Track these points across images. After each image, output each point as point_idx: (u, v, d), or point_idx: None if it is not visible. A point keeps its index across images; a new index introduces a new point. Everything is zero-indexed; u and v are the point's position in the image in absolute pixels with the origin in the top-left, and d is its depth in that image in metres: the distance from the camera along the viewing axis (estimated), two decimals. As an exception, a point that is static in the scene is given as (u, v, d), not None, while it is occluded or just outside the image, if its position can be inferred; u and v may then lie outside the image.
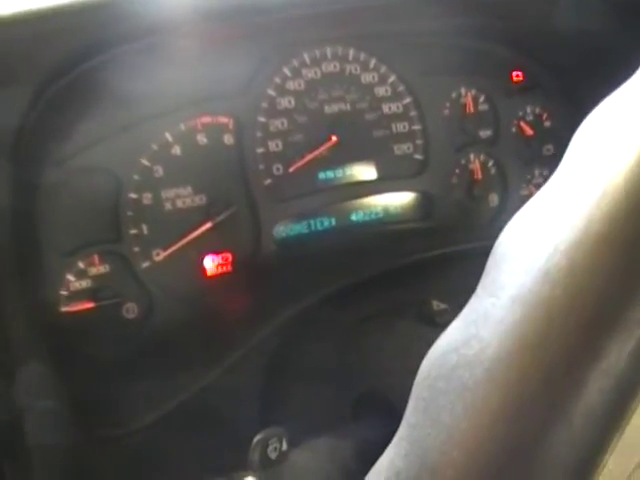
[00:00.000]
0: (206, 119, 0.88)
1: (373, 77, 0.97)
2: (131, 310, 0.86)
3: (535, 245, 0.27)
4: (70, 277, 0.83)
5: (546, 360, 0.25)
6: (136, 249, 0.85)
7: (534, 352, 0.25)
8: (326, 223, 0.96)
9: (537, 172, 1.08)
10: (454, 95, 1.02)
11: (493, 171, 1.05)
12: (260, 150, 0.91)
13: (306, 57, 0.93)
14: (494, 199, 1.06)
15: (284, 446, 0.56)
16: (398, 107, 0.99)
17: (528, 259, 0.27)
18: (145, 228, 0.86)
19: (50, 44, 0.72)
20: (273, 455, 0.56)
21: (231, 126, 0.89)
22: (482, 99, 1.04)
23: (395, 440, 0.31)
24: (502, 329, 0.26)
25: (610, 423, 0.26)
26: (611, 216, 0.25)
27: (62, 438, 0.75)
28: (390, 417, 0.67)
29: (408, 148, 0.99)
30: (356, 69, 0.96)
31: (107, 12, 0.71)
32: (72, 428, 0.76)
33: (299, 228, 0.95)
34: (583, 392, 0.25)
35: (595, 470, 0.26)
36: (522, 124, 1.06)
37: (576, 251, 0.25)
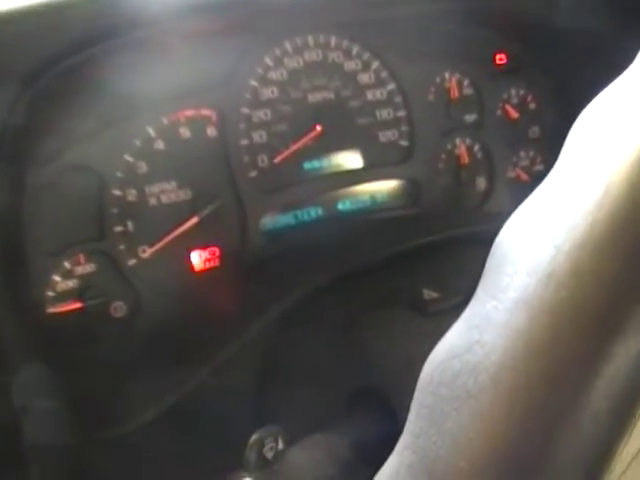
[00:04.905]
0: (189, 112, 0.87)
1: (356, 64, 0.96)
2: (119, 309, 0.85)
3: (537, 246, 0.26)
4: (56, 277, 0.81)
5: (552, 365, 0.25)
6: (122, 247, 0.84)
7: (540, 357, 0.25)
8: (313, 213, 0.96)
9: (523, 154, 1.08)
10: (438, 80, 1.01)
11: (479, 155, 1.05)
12: (244, 142, 0.90)
13: (288, 46, 0.92)
14: (481, 183, 1.05)
15: (280, 445, 0.56)
16: (382, 94, 0.98)
17: (530, 260, 0.26)
18: (130, 225, 0.85)
19: (32, 42, 0.70)
20: (269, 455, 0.55)
21: (214, 118, 0.88)
22: (466, 83, 1.03)
23: (398, 449, 0.30)
24: (506, 334, 0.26)
25: (618, 426, 0.25)
26: (614, 216, 0.24)
27: (58, 437, 0.74)
28: (385, 411, 0.67)
29: (393, 135, 0.99)
30: (339, 57, 0.95)
31: (88, 9, 0.70)
32: (67, 428, 0.76)
33: (286, 219, 0.94)
34: (591, 397, 0.24)
35: (604, 474, 0.26)
36: (507, 107, 1.06)
37: (580, 252, 0.25)
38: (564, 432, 0.25)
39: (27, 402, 0.72)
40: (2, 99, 0.72)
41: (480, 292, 0.28)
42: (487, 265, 0.29)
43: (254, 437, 0.56)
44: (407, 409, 0.31)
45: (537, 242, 0.26)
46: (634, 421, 0.25)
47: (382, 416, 0.66)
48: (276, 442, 0.56)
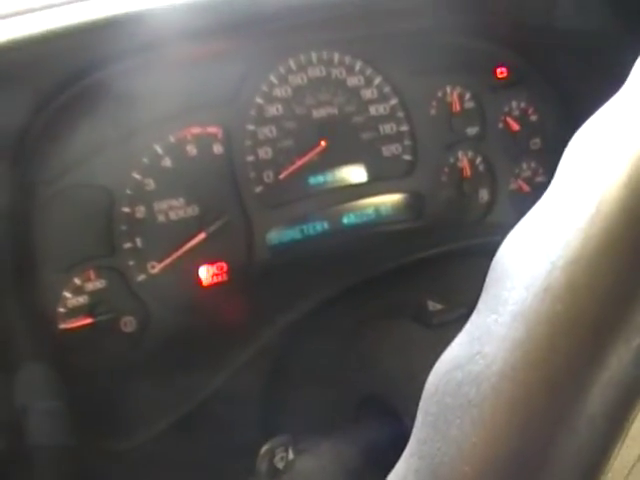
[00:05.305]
0: (195, 130, 0.88)
1: (359, 80, 0.98)
2: (129, 324, 0.86)
3: (534, 262, 0.28)
4: (67, 294, 0.83)
5: (550, 375, 0.26)
6: (131, 263, 0.86)
7: (538, 367, 0.26)
8: (318, 227, 0.97)
9: (525, 166, 1.09)
10: (440, 94, 1.03)
11: (482, 167, 1.06)
12: (250, 158, 0.91)
13: (292, 63, 0.93)
14: (484, 195, 1.07)
15: (290, 455, 0.57)
16: (385, 109, 0.99)
17: (527, 276, 0.27)
18: (139, 241, 0.86)
19: (48, 65, 0.73)
20: (280, 465, 0.56)
21: (220, 136, 0.90)
22: (468, 97, 1.04)
23: (405, 455, 0.31)
24: (506, 346, 0.27)
25: (613, 431, 0.27)
26: (606, 232, 0.26)
27: (59, 438, 0.75)
28: (392, 419, 0.68)
29: (396, 149, 1.00)
30: (342, 73, 0.96)
31: (99, 33, 0.72)
32: (77, 441, 0.77)
33: (292, 234, 0.95)
34: (587, 403, 0.26)
35: (601, 476, 0.27)
36: (508, 119, 1.07)
37: (574, 267, 0.26)
38: (562, 437, 0.26)
39: (28, 402, 0.73)
40: (27, 107, 0.74)
41: (481, 306, 0.30)
42: (487, 280, 0.30)
43: (265, 447, 0.57)
44: (413, 417, 0.32)
45: (534, 258, 0.28)
46: (628, 425, 0.26)
47: (389, 424, 0.67)
48: (287, 452, 0.57)
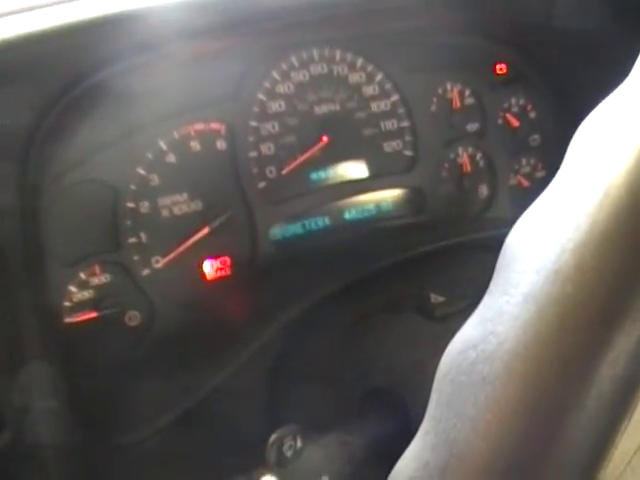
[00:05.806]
0: (199, 126, 0.89)
1: (360, 77, 0.98)
2: (133, 318, 0.87)
3: (544, 245, 0.29)
4: (72, 288, 0.84)
5: (560, 353, 0.27)
6: (135, 257, 0.87)
7: (549, 346, 0.27)
8: (320, 223, 0.98)
9: (524, 162, 1.10)
10: (440, 91, 1.03)
11: (482, 163, 1.07)
12: (253, 154, 0.92)
13: (294, 60, 0.94)
14: (484, 190, 1.07)
15: (299, 443, 0.58)
16: (386, 105, 1.00)
17: (538, 258, 0.28)
18: (143, 236, 0.87)
19: (51, 64, 0.73)
20: (289, 453, 0.57)
21: (223, 132, 0.91)
22: (468, 93, 1.05)
23: (420, 433, 0.32)
24: (518, 325, 0.28)
25: (620, 408, 0.28)
26: (614, 215, 0.27)
27: (68, 439, 0.76)
28: (396, 411, 0.69)
29: (397, 145, 1.01)
30: (343, 70, 0.97)
31: (102, 32, 0.73)
32: (80, 436, 0.77)
33: (294, 229, 0.96)
34: (595, 381, 0.27)
35: (608, 452, 0.28)
36: (508, 116, 1.08)
37: (583, 250, 0.27)
38: (571, 412, 0.27)
39: (31, 399, 0.74)
40: (32, 108, 0.75)
41: (493, 288, 0.31)
42: (498, 264, 0.31)
43: (274, 436, 0.58)
44: (418, 407, 0.33)
45: (544, 242, 0.29)
46: (635, 402, 0.27)
47: (393, 416, 0.68)
48: (295, 441, 0.58)
